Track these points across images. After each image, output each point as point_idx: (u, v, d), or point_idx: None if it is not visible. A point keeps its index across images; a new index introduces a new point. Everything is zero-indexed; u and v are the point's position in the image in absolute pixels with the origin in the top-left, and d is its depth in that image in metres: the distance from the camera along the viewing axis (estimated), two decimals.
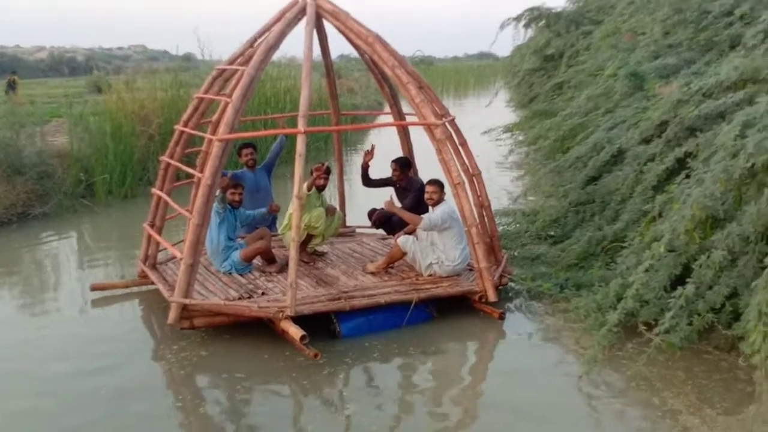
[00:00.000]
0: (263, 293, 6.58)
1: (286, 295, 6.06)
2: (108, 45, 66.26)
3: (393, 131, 8.89)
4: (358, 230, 9.01)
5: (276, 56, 8.04)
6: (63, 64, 54.90)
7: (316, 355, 5.70)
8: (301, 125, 6.14)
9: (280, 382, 5.59)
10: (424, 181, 7.43)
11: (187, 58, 31.06)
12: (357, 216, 9.11)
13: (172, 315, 6.19)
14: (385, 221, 8.19)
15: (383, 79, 8.06)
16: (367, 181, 8.37)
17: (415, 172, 8.55)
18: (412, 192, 7.97)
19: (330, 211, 7.73)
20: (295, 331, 5.78)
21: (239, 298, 6.43)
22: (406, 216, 7.24)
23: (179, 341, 6.24)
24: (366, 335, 6.26)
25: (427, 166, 7.91)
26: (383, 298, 6.47)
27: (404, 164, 8.17)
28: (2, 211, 10.52)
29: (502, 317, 6.60)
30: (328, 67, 8.61)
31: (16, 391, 5.46)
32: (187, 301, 6.19)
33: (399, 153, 8.63)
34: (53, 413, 5.11)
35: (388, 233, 8.38)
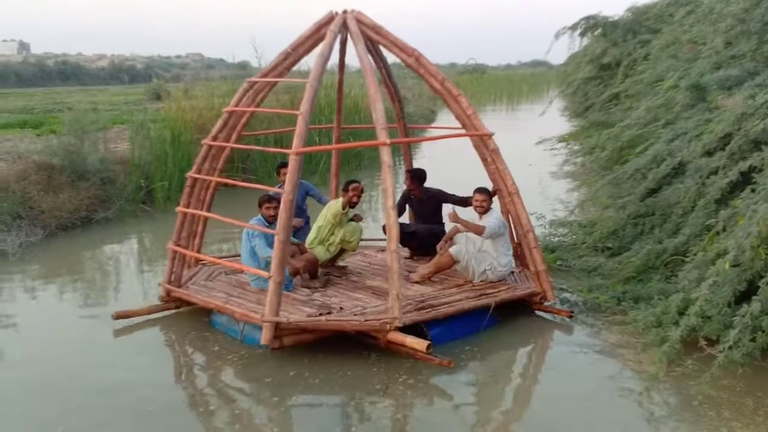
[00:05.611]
0: (341, 308, 6.47)
1: (365, 308, 6.35)
2: (166, 53, 67.89)
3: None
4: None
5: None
6: (123, 72, 56.41)
7: (449, 363, 5.72)
8: (384, 137, 6.12)
9: (333, 393, 5.61)
10: (438, 190, 7.95)
11: (243, 66, 31.64)
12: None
13: (266, 335, 5.95)
14: (409, 237, 8.06)
15: None
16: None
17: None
18: (429, 201, 8.12)
19: (356, 218, 7.72)
20: (419, 342, 5.78)
21: (319, 315, 6.27)
22: (472, 227, 7.23)
23: (239, 351, 6.33)
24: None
25: (459, 177, 7.85)
26: (465, 304, 6.60)
27: (420, 175, 8.19)
28: (67, 216, 10.85)
29: (571, 316, 6.82)
30: (386, 80, 8.34)
31: (69, 394, 5.61)
32: (283, 319, 6.00)
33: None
34: (100, 422, 5.17)
35: (410, 248, 8.26)
